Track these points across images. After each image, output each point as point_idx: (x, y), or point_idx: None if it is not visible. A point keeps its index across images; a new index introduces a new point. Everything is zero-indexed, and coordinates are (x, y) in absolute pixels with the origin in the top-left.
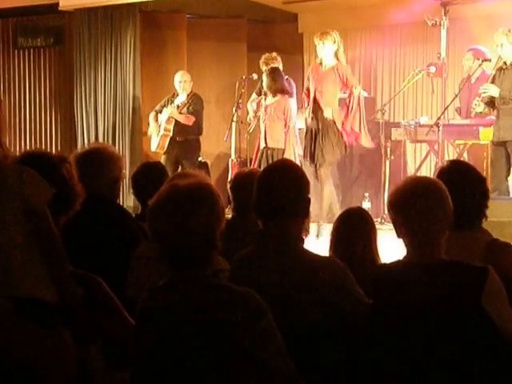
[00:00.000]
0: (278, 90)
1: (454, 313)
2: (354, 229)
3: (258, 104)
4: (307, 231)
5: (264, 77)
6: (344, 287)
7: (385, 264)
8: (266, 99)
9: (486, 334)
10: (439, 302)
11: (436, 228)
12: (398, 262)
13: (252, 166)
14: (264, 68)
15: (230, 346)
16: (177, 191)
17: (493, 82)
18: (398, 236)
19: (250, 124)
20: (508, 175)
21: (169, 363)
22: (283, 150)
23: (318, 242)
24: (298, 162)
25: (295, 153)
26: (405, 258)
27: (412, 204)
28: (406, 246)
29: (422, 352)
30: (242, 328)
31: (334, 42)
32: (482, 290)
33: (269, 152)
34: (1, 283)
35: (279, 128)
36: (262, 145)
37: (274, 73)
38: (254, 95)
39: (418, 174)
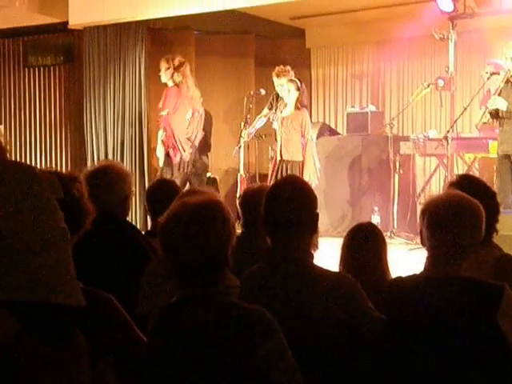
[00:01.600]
0: (302, 102)
1: (468, 330)
2: (363, 244)
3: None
4: (316, 246)
5: (292, 88)
6: (355, 303)
7: (399, 277)
8: (281, 111)
9: (500, 353)
10: (454, 318)
11: (461, 248)
12: (414, 276)
13: (269, 180)
14: (282, 80)
15: (241, 365)
16: (187, 208)
17: (500, 94)
18: (422, 244)
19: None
20: None
21: (179, 381)
22: (302, 163)
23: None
24: (318, 175)
25: (316, 165)
26: (422, 271)
27: (445, 219)
28: (427, 257)
29: (435, 368)
30: (252, 346)
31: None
32: (498, 309)
33: (285, 165)
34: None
35: (296, 140)
36: (278, 158)
37: (302, 86)
38: (265, 110)
39: (427, 188)
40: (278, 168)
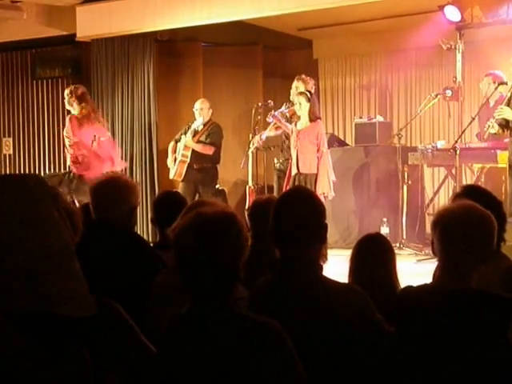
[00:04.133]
0: (315, 113)
1: (478, 343)
2: (372, 255)
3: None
4: (325, 257)
5: (302, 100)
6: (365, 314)
7: (409, 287)
8: (296, 124)
9: (510, 367)
10: (464, 330)
11: (472, 259)
12: (425, 285)
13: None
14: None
15: (252, 377)
16: (203, 219)
17: (508, 104)
18: (434, 253)
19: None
20: None
21: None
22: (316, 175)
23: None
24: (332, 187)
25: (329, 177)
26: (433, 282)
27: (457, 230)
28: (438, 268)
29: (445, 381)
30: (262, 358)
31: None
32: (509, 323)
33: (301, 178)
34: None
35: (312, 153)
36: (294, 171)
37: (313, 97)
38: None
39: (436, 199)
40: (295, 181)
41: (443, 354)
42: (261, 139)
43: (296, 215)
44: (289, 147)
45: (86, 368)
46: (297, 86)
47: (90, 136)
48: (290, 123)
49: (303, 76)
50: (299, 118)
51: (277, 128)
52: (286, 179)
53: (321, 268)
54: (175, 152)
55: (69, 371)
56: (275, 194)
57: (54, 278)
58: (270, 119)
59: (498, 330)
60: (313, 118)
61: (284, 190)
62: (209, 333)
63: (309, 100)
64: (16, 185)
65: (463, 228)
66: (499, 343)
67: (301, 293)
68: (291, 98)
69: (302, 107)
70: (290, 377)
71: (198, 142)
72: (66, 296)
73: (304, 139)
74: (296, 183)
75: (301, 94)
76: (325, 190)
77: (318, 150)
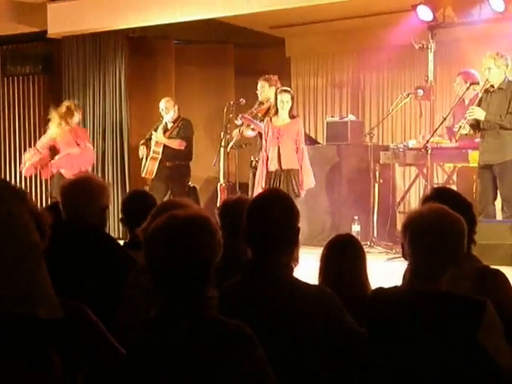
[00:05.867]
0: (294, 111)
1: (450, 345)
2: (343, 256)
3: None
4: (297, 260)
5: (288, 98)
6: (334, 316)
7: (381, 288)
8: (270, 120)
9: (481, 369)
10: (436, 333)
11: (443, 262)
12: (396, 287)
13: (256, 190)
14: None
15: (222, 381)
16: (176, 221)
17: (479, 104)
18: (405, 258)
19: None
20: (495, 198)
21: None
22: (298, 171)
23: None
24: (314, 181)
25: (311, 172)
26: (404, 283)
27: (427, 234)
28: (408, 271)
29: (416, 382)
30: (232, 362)
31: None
32: (480, 326)
33: (284, 174)
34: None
35: (292, 150)
36: (274, 167)
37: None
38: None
39: (407, 198)
40: (275, 178)
41: (414, 355)
42: (240, 133)
43: (271, 217)
44: None
45: (55, 370)
46: (262, 85)
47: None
48: (261, 122)
49: (269, 76)
50: (275, 114)
51: (253, 129)
52: (259, 176)
53: (292, 270)
54: (147, 146)
55: (37, 373)
56: (250, 191)
57: (20, 279)
58: (238, 121)
59: (468, 332)
60: (293, 115)
61: (258, 187)
62: (178, 335)
63: (292, 98)
64: None
65: (433, 231)
66: (469, 345)
67: (272, 294)
68: (260, 98)
69: (285, 105)
70: (259, 380)
71: (169, 138)
72: (32, 297)
73: (285, 136)
74: (276, 180)
75: (285, 91)
76: (312, 185)
77: (297, 148)
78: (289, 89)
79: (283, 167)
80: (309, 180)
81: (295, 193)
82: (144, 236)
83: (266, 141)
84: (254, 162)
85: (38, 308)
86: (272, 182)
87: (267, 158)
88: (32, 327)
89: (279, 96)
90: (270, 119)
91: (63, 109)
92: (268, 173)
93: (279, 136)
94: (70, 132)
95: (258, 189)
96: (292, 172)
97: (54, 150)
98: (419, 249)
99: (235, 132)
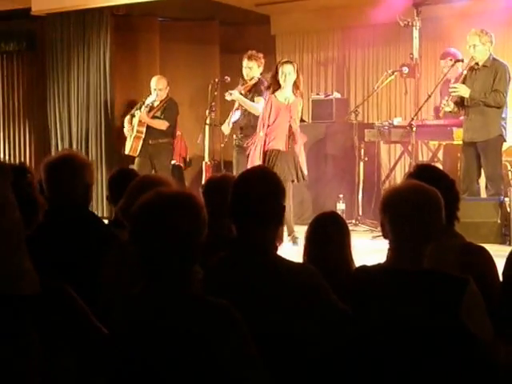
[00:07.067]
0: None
1: (432, 323)
2: (326, 233)
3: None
4: (281, 239)
5: (290, 70)
6: (318, 293)
7: (364, 266)
8: (275, 95)
9: (462, 346)
10: (417, 310)
11: (423, 238)
12: (379, 265)
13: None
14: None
15: (205, 359)
16: (161, 198)
17: (463, 82)
18: (385, 237)
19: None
20: (479, 176)
21: (142, 374)
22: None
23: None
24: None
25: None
26: (386, 261)
27: (405, 210)
28: (390, 249)
29: (397, 359)
30: (216, 340)
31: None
32: (461, 303)
33: (289, 155)
34: None
35: (296, 129)
36: (280, 147)
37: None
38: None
39: (392, 175)
40: (276, 157)
41: (396, 333)
42: (229, 125)
43: (256, 195)
44: (253, 127)
45: (33, 346)
46: (251, 65)
47: None
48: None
49: (256, 54)
50: (277, 89)
51: (237, 108)
52: (253, 157)
53: (276, 248)
54: (131, 124)
55: (13, 348)
56: (234, 170)
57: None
58: (228, 97)
59: (450, 309)
60: (298, 91)
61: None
62: (162, 313)
63: (297, 71)
64: None
65: (410, 206)
66: (451, 322)
67: (256, 272)
68: (246, 77)
69: (287, 78)
70: (244, 359)
71: (153, 117)
72: (12, 274)
73: (294, 113)
74: (280, 160)
75: (288, 62)
76: (306, 172)
77: (290, 126)
78: (291, 60)
79: (296, 149)
80: (305, 166)
81: (303, 176)
82: (129, 213)
83: (268, 118)
84: (237, 141)
85: (17, 284)
86: (272, 161)
87: (269, 137)
88: (9, 303)
89: (280, 68)
90: (273, 95)
91: None
92: (264, 152)
93: (290, 112)
94: None
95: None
96: (297, 155)
97: None
98: (398, 225)
99: (225, 127)
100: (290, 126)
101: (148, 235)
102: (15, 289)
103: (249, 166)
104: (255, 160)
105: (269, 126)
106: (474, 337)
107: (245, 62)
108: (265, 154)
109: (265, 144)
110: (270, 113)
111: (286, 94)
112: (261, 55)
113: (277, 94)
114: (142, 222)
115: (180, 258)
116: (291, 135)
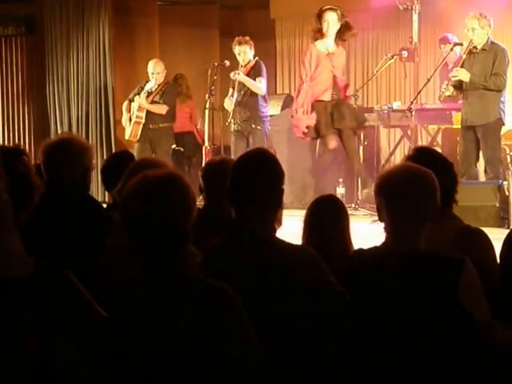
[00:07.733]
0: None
1: (429, 304)
2: (325, 216)
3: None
4: (280, 222)
5: (334, 17)
6: (317, 276)
7: (361, 250)
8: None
9: (461, 327)
10: (415, 292)
11: (419, 219)
12: (375, 248)
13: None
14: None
15: (202, 340)
16: (147, 181)
17: (462, 66)
18: (381, 220)
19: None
20: (477, 160)
21: (141, 357)
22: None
23: None
24: None
25: None
26: (383, 244)
27: (399, 192)
28: (386, 232)
29: (395, 342)
30: (213, 322)
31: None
32: (458, 284)
33: (338, 105)
34: None
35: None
36: (327, 98)
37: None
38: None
39: (392, 159)
40: (332, 107)
41: (393, 315)
42: (232, 102)
43: (255, 178)
44: (251, 111)
45: (28, 330)
46: (244, 50)
47: None
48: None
49: (244, 38)
50: (320, 37)
51: (231, 95)
52: (304, 106)
53: (275, 231)
54: (130, 111)
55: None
56: (232, 155)
57: None
58: (234, 76)
59: (447, 291)
60: (342, 41)
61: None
62: (160, 296)
63: (340, 19)
64: None
65: (405, 188)
66: (449, 303)
67: (255, 254)
68: (242, 63)
69: (330, 26)
70: (240, 340)
71: (152, 102)
72: (3, 256)
73: (336, 63)
74: (335, 110)
75: (331, 9)
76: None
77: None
78: (334, 7)
79: (347, 99)
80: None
81: (363, 125)
82: (119, 198)
83: (309, 68)
84: (235, 126)
85: (9, 267)
86: (328, 111)
87: (313, 88)
88: (3, 286)
89: (324, 16)
90: (313, 43)
91: None
92: (318, 102)
93: (331, 61)
94: None
95: (307, 121)
96: (345, 103)
97: None
98: (392, 207)
99: (227, 102)
100: (335, 76)
101: (136, 218)
102: (3, 271)
103: (294, 124)
104: (302, 118)
105: (311, 76)
106: (471, 317)
107: (236, 49)
108: (312, 106)
109: (311, 96)
110: (311, 62)
111: (327, 43)
112: (247, 38)
113: (317, 42)
114: (129, 205)
115: (172, 238)
116: (335, 85)
